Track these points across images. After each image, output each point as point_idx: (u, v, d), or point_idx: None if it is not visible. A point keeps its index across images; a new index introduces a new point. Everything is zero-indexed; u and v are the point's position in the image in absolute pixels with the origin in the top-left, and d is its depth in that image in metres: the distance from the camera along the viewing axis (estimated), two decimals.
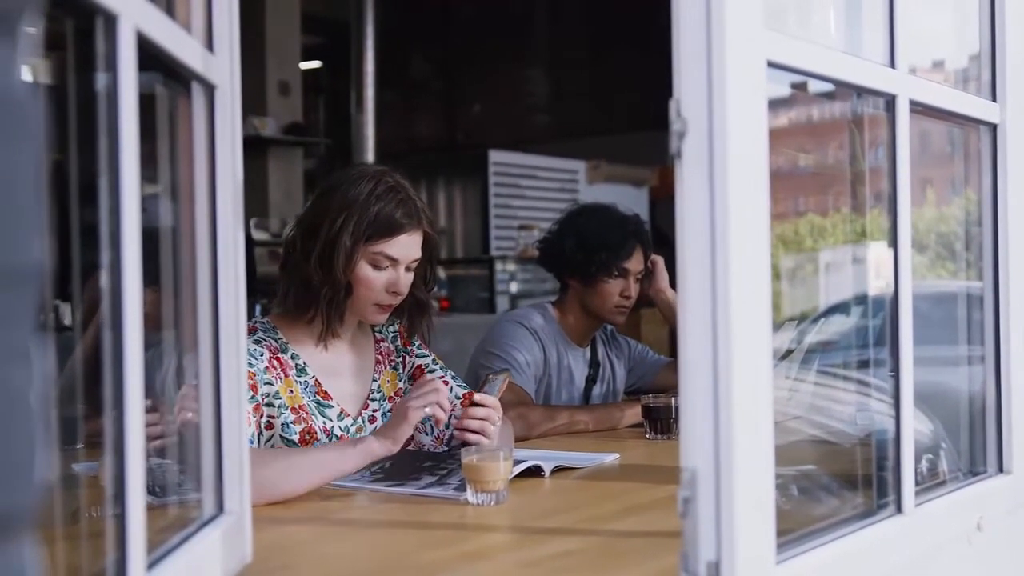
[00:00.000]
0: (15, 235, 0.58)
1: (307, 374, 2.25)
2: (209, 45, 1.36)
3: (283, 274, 2.28)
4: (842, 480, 1.69)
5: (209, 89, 1.36)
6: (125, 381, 1.00)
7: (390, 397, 2.38)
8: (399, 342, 2.45)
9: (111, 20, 1.00)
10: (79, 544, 1.17)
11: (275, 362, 2.20)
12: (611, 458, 2.35)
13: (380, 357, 2.40)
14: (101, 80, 1.02)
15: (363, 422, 2.31)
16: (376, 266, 2.22)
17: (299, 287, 2.24)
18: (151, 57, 1.11)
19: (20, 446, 0.57)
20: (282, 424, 2.17)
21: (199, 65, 1.30)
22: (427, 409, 2.02)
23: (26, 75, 0.62)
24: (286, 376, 2.21)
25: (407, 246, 2.23)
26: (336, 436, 2.24)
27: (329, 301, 2.21)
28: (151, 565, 1.09)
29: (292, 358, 2.25)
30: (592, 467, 2.27)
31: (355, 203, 2.19)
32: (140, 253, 1.03)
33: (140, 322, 1.02)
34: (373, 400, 2.35)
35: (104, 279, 1.00)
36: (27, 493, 0.59)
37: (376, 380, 2.37)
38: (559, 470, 2.19)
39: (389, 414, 2.33)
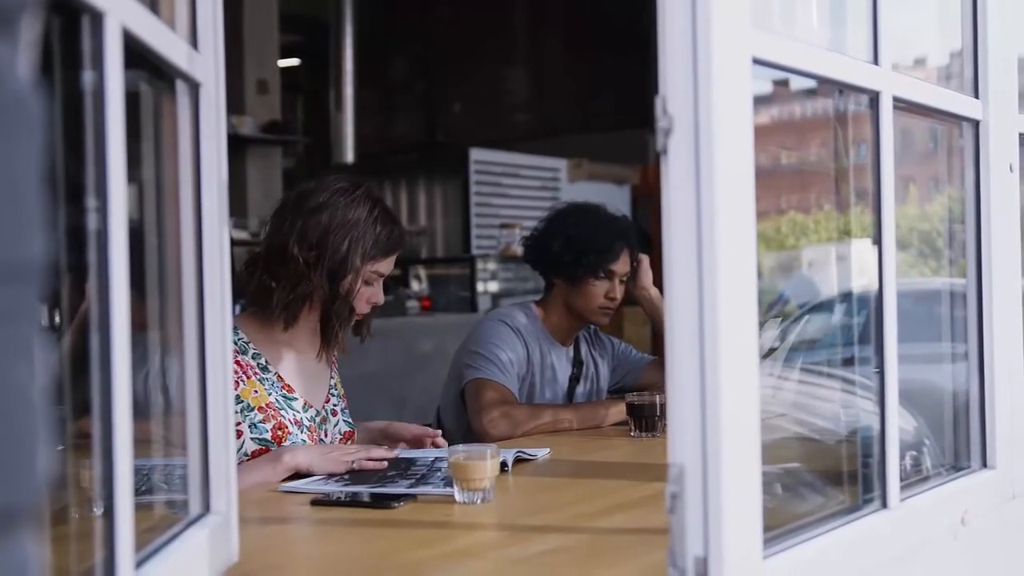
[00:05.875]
0: (20, 231, 0.58)
1: (270, 371, 2.29)
2: (194, 43, 1.35)
3: (274, 283, 2.27)
4: (827, 476, 1.70)
5: (194, 87, 1.35)
6: (112, 382, 1.00)
7: (343, 395, 2.48)
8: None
9: (97, 17, 0.99)
10: (63, 545, 1.16)
11: (234, 366, 2.19)
12: (543, 452, 2.37)
13: (333, 358, 2.48)
14: (87, 78, 1.01)
15: (326, 413, 2.39)
16: (368, 283, 2.30)
17: (297, 298, 2.26)
18: (135, 55, 1.11)
19: (24, 442, 0.57)
20: (250, 426, 2.20)
21: (184, 63, 1.29)
22: (355, 464, 2.13)
23: (27, 73, 0.62)
24: (248, 377, 2.24)
25: (393, 262, 2.35)
26: (306, 427, 2.29)
27: (339, 318, 2.29)
28: (138, 564, 1.08)
29: (253, 358, 2.28)
30: (577, 464, 2.30)
31: (357, 225, 2.25)
32: (127, 253, 1.02)
33: (127, 322, 1.02)
34: (333, 395, 2.44)
35: (90, 280, 1.00)
36: (30, 489, 0.58)
37: (333, 378, 2.46)
38: (518, 462, 2.22)
39: (346, 410, 2.46)
